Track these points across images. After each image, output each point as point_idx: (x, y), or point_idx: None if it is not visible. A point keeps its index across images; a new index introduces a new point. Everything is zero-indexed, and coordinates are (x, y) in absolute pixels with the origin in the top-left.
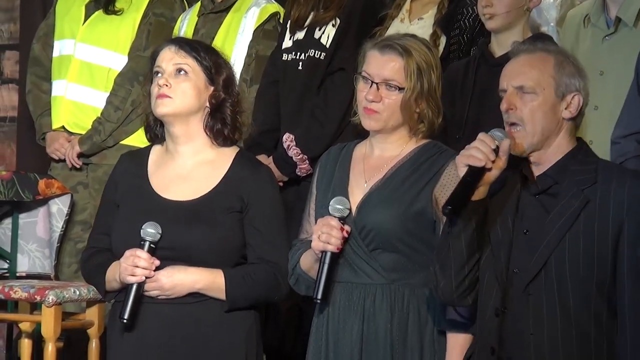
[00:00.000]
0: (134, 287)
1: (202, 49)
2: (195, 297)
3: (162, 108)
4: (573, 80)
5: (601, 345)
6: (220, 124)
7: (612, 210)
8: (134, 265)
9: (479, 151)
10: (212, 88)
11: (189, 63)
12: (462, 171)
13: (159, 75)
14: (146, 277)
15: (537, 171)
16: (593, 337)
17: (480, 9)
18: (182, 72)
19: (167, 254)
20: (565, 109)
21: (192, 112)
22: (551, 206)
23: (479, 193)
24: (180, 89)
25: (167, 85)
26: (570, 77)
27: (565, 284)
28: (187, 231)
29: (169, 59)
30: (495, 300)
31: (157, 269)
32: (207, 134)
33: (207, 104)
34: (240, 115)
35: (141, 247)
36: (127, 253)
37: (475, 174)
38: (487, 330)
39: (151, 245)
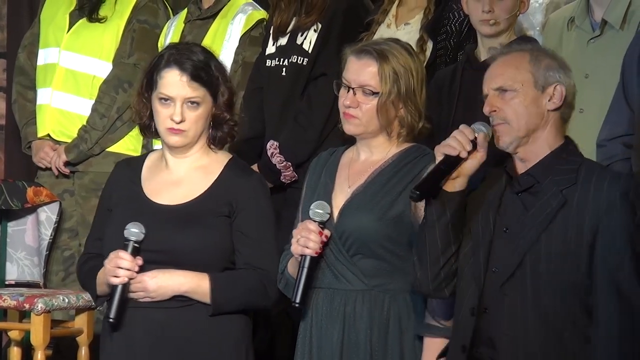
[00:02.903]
0: (119, 288)
1: (213, 73)
2: (183, 301)
3: (175, 141)
4: (551, 71)
5: (575, 346)
6: (220, 132)
7: (589, 212)
8: (116, 267)
9: (456, 140)
10: (214, 105)
11: (200, 95)
12: (439, 160)
13: (167, 102)
14: (131, 278)
15: (522, 168)
16: (567, 338)
17: (478, 14)
18: (194, 104)
19: (155, 257)
20: (549, 100)
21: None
22: (530, 205)
23: (456, 184)
24: (192, 121)
25: (182, 121)
26: (548, 68)
27: (539, 284)
28: (175, 234)
29: (180, 88)
30: (472, 299)
31: (144, 271)
32: (206, 143)
33: (210, 119)
34: (237, 125)
35: (125, 247)
36: (111, 255)
37: (449, 162)
38: (462, 328)
39: (135, 245)
